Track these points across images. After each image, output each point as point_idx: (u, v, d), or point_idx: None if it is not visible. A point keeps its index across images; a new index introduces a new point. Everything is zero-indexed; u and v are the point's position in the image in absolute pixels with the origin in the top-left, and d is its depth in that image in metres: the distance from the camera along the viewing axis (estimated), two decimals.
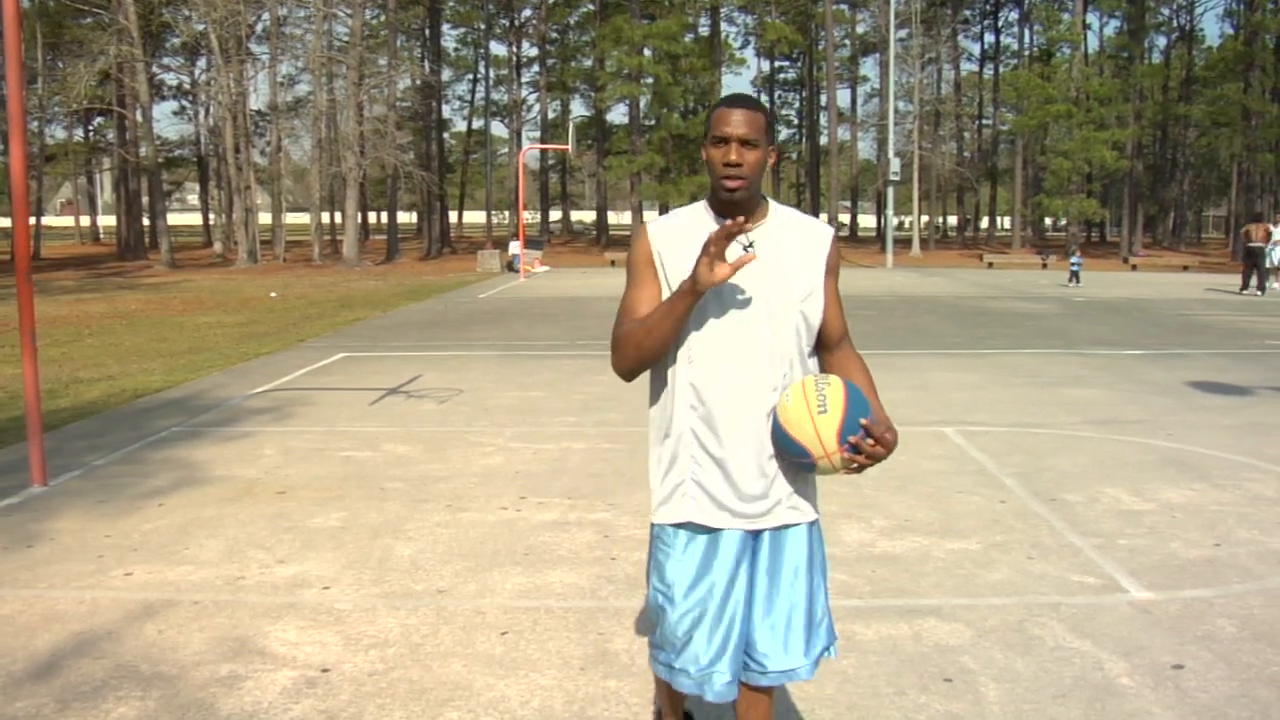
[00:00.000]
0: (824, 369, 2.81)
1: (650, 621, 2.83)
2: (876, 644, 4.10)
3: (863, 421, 2.48)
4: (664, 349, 2.63)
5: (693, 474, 2.69)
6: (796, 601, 2.75)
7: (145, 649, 4.06)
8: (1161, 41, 60.39)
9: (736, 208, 2.66)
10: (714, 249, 2.45)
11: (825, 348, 2.80)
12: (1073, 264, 29.44)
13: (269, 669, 3.88)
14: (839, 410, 2.47)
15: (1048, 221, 66.49)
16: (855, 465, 2.53)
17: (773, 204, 2.76)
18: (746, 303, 2.63)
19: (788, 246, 2.70)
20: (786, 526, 2.73)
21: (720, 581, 2.69)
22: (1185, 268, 39.90)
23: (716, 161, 2.61)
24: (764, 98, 72.62)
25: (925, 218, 59.11)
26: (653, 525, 2.79)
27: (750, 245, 2.67)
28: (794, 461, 2.60)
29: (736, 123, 2.59)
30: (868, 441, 2.50)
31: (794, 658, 2.75)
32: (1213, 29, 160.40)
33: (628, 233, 51.89)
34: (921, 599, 4.60)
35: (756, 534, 2.72)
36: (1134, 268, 40.66)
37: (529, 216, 56.15)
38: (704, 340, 2.64)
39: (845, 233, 67.56)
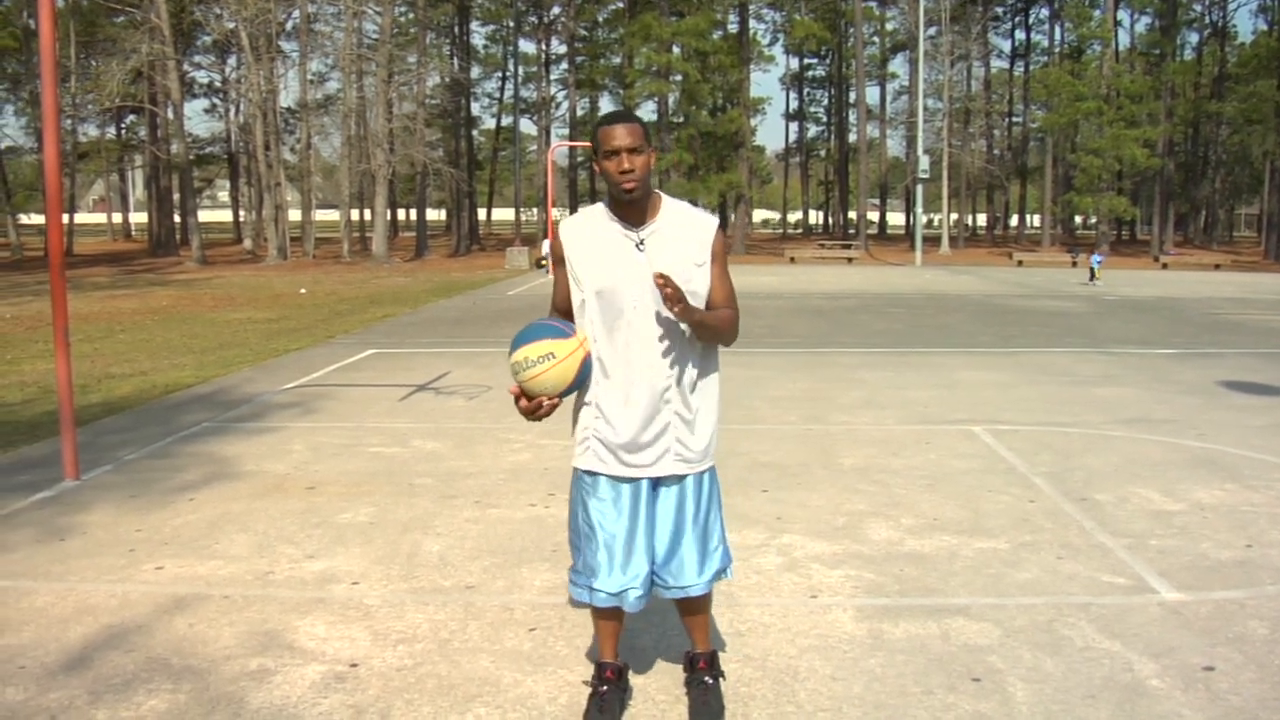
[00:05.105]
0: None
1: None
2: (904, 643, 4.09)
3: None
4: None
5: (595, 431, 3.21)
6: (688, 536, 3.28)
7: (176, 642, 4.10)
8: (1193, 38, 59.88)
9: (633, 206, 3.13)
10: (526, 412, 3.13)
11: None
12: (1093, 261, 29.22)
13: (298, 664, 3.91)
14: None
15: (1078, 220, 66.01)
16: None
17: (665, 200, 3.22)
18: (640, 293, 3.10)
19: (674, 239, 3.16)
20: (676, 477, 3.24)
21: (626, 518, 3.22)
22: (1217, 266, 39.53)
23: (612, 171, 3.06)
24: (792, 95, 72.48)
25: (954, 215, 58.78)
26: (575, 469, 3.30)
27: (641, 244, 3.14)
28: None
29: (621, 135, 3.05)
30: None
31: (689, 579, 3.29)
32: (1245, 25, 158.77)
33: None
34: (950, 598, 4.58)
35: (655, 481, 3.24)
36: (1165, 266, 40.32)
37: (557, 214, 56.11)
38: (607, 324, 3.14)
39: (874, 230, 67.21)
